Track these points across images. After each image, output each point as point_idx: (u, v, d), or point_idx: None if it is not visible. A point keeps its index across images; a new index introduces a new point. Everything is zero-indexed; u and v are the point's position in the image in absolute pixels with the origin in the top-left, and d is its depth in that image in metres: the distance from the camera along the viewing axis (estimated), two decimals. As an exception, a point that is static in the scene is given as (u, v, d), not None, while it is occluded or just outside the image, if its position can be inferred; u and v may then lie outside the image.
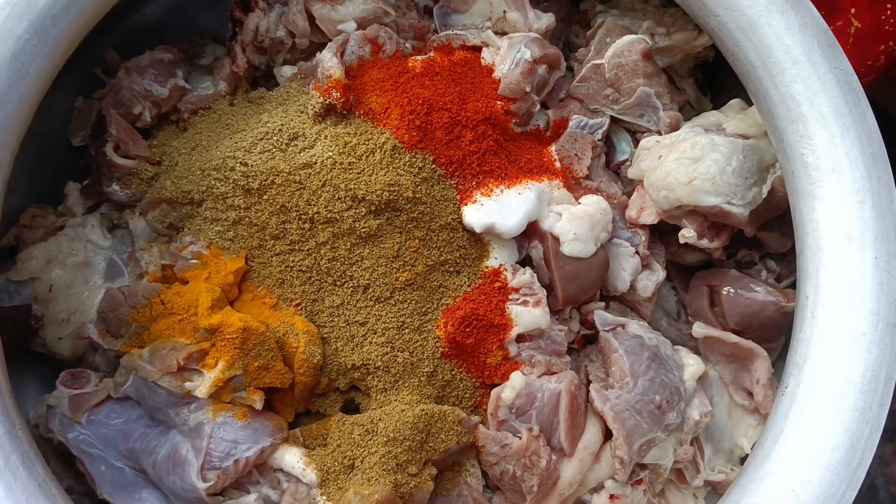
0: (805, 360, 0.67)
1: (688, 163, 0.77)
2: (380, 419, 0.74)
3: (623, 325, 0.80)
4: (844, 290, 0.67)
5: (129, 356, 0.76)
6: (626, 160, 0.86)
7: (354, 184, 0.76)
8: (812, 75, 0.70)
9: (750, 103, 0.82)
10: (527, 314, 0.78)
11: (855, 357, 0.66)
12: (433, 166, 0.79)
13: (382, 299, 0.78)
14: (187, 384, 0.74)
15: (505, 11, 0.84)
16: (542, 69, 0.82)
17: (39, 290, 0.80)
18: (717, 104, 0.88)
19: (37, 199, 0.86)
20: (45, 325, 0.81)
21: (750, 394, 0.82)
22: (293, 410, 0.80)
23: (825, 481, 0.64)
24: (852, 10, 0.91)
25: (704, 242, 0.80)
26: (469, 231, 0.79)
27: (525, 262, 0.82)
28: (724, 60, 0.80)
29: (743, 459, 0.82)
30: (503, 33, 0.84)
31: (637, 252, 0.82)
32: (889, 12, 0.91)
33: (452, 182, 0.79)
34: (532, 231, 0.80)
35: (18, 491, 0.62)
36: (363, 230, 0.77)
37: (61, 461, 0.79)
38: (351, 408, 0.82)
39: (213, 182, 0.79)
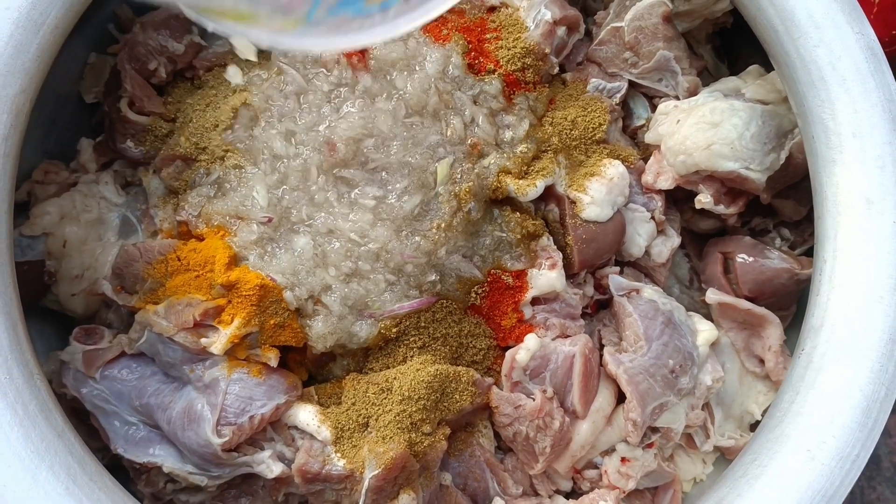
0: (822, 323, 0.68)
1: (706, 127, 0.77)
2: (395, 378, 0.74)
3: (637, 290, 0.81)
4: (863, 255, 0.67)
5: (144, 312, 0.75)
6: (643, 125, 0.86)
7: (372, 143, 0.76)
8: (835, 40, 0.70)
9: (768, 70, 0.82)
10: (542, 277, 0.78)
11: (872, 320, 0.66)
12: (451, 127, 0.78)
13: (398, 259, 0.78)
14: (203, 340, 0.73)
15: (525, -28, 0.84)
16: (561, 31, 0.81)
17: (53, 246, 0.80)
18: (734, 71, 0.88)
19: (48, 156, 0.85)
20: (57, 281, 0.80)
21: (761, 360, 0.82)
22: (307, 370, 0.80)
23: (841, 442, 0.64)
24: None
25: (721, 208, 0.80)
26: (485, 193, 0.79)
27: (540, 224, 0.82)
28: (742, 27, 0.80)
29: (753, 426, 0.83)
30: (522, -6, 0.84)
31: (653, 217, 0.82)
32: (916, -18, 0.90)
33: (469, 144, 0.79)
34: (549, 193, 0.80)
35: (37, 439, 0.62)
36: (380, 190, 0.77)
37: (74, 417, 0.79)
38: (364, 368, 0.82)
39: (228, 139, 0.79)
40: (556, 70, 0.84)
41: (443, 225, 0.76)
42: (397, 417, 0.72)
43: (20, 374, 0.63)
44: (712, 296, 0.82)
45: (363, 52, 0.78)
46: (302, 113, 0.77)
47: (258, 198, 0.76)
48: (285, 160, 0.77)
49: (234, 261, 0.75)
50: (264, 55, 0.84)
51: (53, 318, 0.84)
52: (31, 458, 0.61)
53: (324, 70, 0.79)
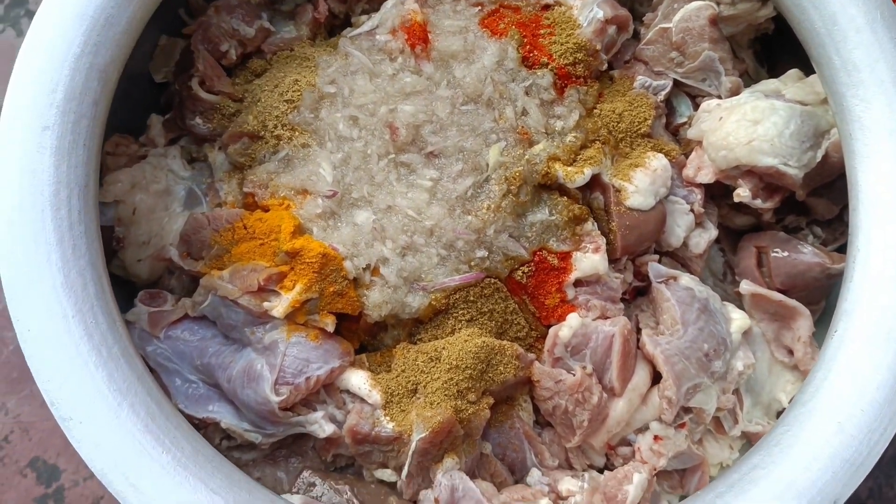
0: (854, 306, 0.72)
1: (748, 124, 0.81)
2: (444, 348, 0.78)
3: (675, 277, 0.84)
4: (894, 243, 0.71)
5: (209, 277, 0.80)
6: (685, 123, 0.90)
7: (431, 125, 0.81)
8: (874, 43, 0.75)
9: (807, 74, 0.86)
10: (586, 259, 0.82)
11: (902, 305, 0.70)
12: (505, 115, 0.83)
13: (448, 238, 0.83)
14: (265, 304, 0.78)
15: (578, -28, 0.89)
16: (612, 29, 0.86)
17: (123, 213, 0.84)
18: (773, 76, 0.92)
19: (119, 131, 0.90)
20: (125, 247, 0.85)
21: (790, 351, 0.86)
22: (359, 339, 0.84)
23: (869, 416, 0.68)
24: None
25: (758, 202, 0.84)
26: (535, 179, 0.84)
27: (584, 211, 0.86)
28: (783, 34, 0.84)
29: (779, 413, 0.86)
30: (575, -7, 0.89)
31: (692, 210, 0.86)
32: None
33: (520, 133, 0.84)
34: (595, 182, 0.84)
35: (119, 380, 0.66)
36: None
37: (136, 375, 0.83)
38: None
39: (294, 118, 0.84)
40: (605, 66, 0.88)
41: (492, 206, 0.80)
42: (444, 385, 0.76)
43: (104, 319, 0.67)
44: (746, 286, 0.86)
45: (426, 43, 0.83)
46: (366, 97, 0.82)
47: (324, 173, 0.81)
48: (349, 141, 0.81)
49: (299, 230, 0.79)
50: (331, 42, 0.89)
51: (115, 285, 0.88)
52: (114, 395, 0.65)
53: (388, 58, 0.83)
